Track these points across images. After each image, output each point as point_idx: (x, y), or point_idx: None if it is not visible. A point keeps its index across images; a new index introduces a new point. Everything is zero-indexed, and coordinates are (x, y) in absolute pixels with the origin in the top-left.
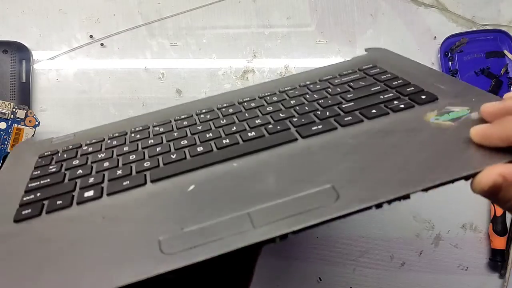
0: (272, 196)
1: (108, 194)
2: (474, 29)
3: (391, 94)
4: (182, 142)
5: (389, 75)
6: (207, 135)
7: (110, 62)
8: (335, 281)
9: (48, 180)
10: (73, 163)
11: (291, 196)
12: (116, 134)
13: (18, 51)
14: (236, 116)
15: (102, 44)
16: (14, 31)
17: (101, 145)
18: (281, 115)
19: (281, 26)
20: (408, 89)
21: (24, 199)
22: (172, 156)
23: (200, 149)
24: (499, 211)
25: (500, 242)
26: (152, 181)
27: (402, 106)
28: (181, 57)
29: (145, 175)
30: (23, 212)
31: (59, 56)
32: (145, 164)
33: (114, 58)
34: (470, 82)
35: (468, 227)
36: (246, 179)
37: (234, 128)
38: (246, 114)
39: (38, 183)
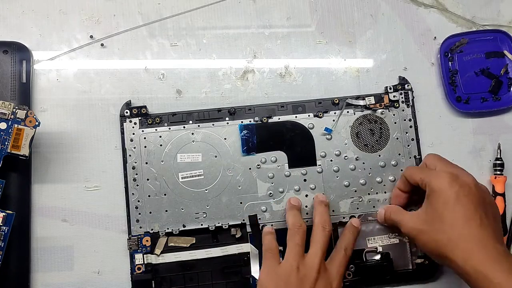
0: None
1: None
2: (474, 29)
3: None
4: None
5: None
6: None
7: (110, 62)
8: None
9: None
10: None
11: None
12: None
13: (18, 52)
14: None
15: (102, 45)
16: (14, 31)
17: None
18: None
19: (281, 27)
20: None
21: None
22: None
23: None
24: (499, 211)
25: None
26: None
27: None
28: (181, 57)
29: None
30: None
31: (59, 56)
32: None
33: (114, 58)
34: (470, 82)
35: None
36: None
37: None
38: None
39: None
